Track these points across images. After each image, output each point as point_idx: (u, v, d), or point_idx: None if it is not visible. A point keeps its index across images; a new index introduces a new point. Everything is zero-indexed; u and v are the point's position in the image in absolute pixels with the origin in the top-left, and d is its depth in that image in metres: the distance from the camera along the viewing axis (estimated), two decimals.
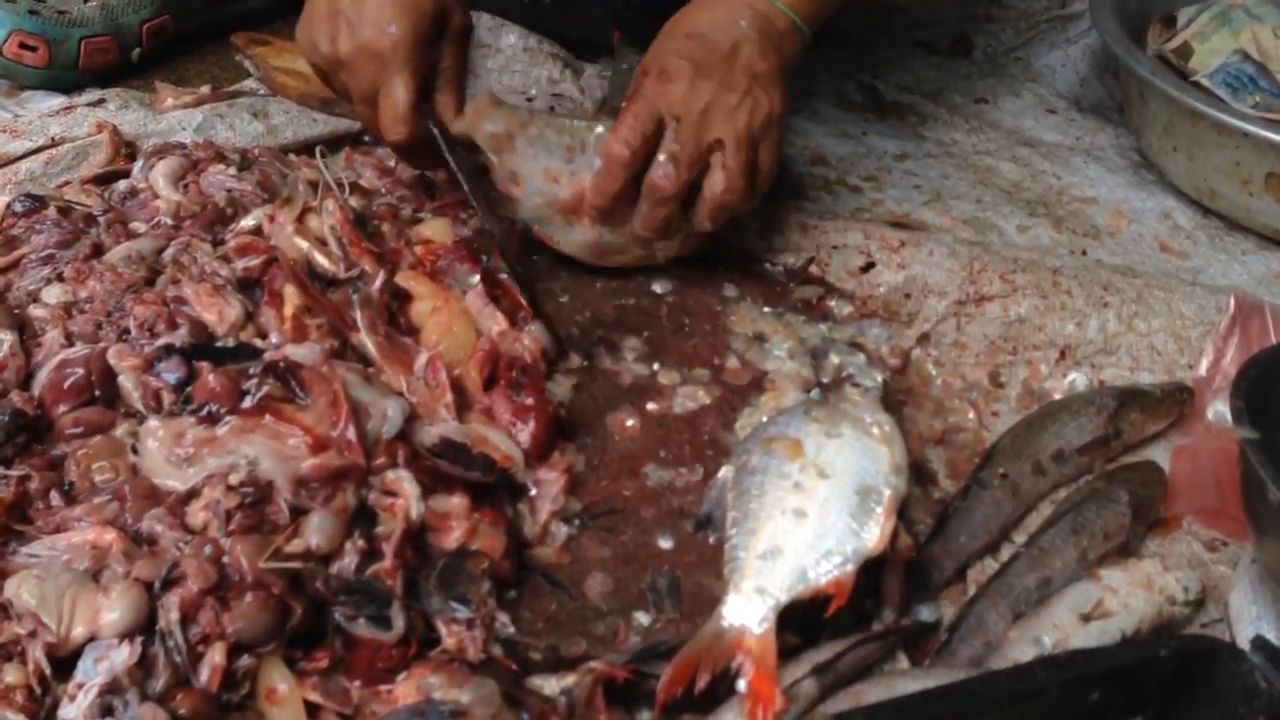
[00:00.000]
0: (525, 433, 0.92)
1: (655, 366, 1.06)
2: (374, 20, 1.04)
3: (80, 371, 0.88)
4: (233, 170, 1.14)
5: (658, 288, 1.14)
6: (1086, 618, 0.85)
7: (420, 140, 1.07)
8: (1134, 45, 1.40)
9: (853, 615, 0.83)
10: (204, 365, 0.88)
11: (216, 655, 0.73)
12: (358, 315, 0.95)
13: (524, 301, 1.04)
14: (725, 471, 0.90)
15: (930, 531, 0.94)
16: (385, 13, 1.04)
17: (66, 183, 1.16)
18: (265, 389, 0.85)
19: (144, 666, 0.72)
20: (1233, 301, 1.12)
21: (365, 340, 0.94)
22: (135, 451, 0.84)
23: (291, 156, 1.23)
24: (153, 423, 0.84)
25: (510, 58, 1.46)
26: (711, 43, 1.06)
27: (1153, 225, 1.34)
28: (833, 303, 1.16)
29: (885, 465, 0.87)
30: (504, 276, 1.06)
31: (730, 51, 1.06)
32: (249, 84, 1.38)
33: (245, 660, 0.74)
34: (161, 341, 0.91)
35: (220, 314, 0.95)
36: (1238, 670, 0.71)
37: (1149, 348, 1.11)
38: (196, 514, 0.79)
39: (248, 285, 0.99)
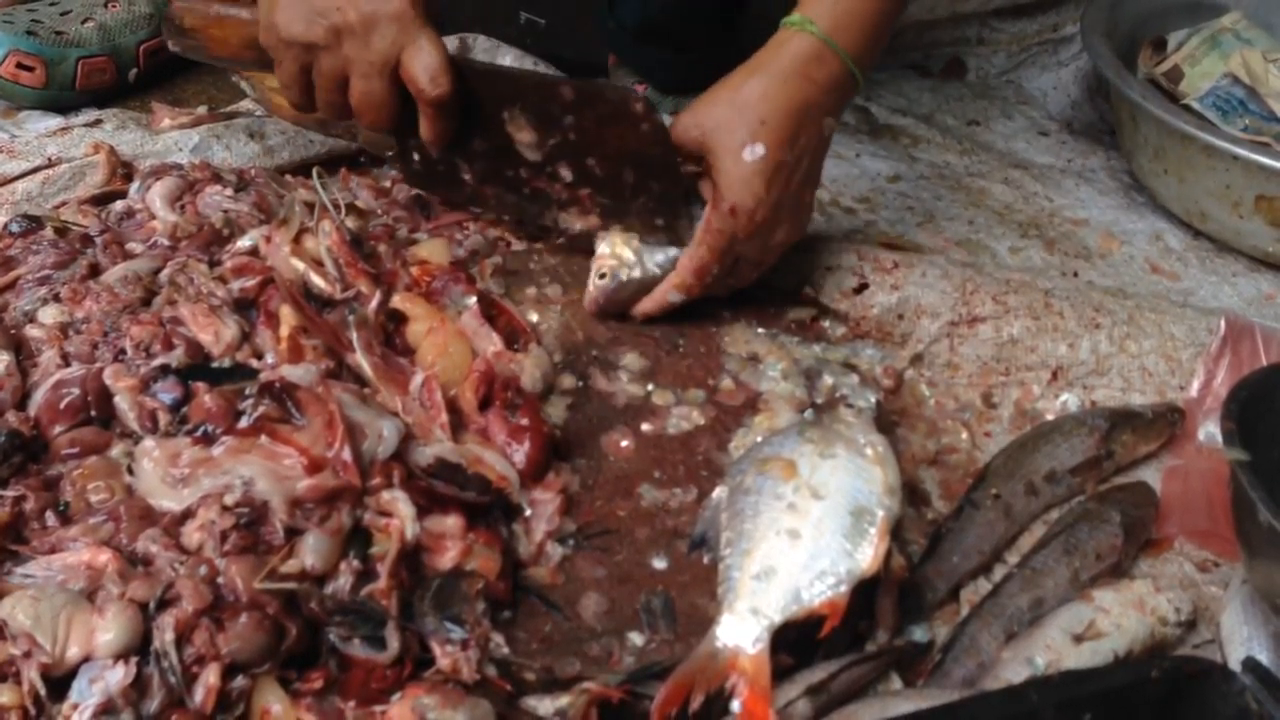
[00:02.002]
0: (520, 453, 0.93)
1: (650, 387, 1.07)
2: None
3: (76, 392, 0.89)
4: (229, 191, 1.14)
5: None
6: (1079, 638, 0.85)
7: (455, 99, 1.06)
8: (1125, 68, 1.41)
9: (846, 636, 0.84)
10: (200, 386, 0.88)
11: (211, 676, 0.72)
12: (353, 336, 0.95)
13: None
14: (719, 492, 0.90)
15: (923, 552, 0.94)
16: None
17: (63, 203, 1.17)
18: (261, 409, 0.85)
19: (139, 687, 0.71)
20: (1223, 323, 1.12)
21: (361, 361, 0.94)
22: (131, 472, 0.84)
23: (288, 177, 1.24)
24: (148, 443, 0.84)
25: None
26: (796, 163, 1.04)
27: (1144, 247, 1.35)
28: (826, 324, 1.16)
29: (879, 486, 0.87)
30: (498, 298, 1.07)
31: (808, 174, 1.06)
32: (245, 105, 1.38)
33: (240, 681, 0.74)
34: (157, 362, 0.91)
35: (216, 334, 0.95)
36: (1229, 692, 0.71)
37: (1140, 369, 1.12)
38: (192, 534, 0.79)
39: (244, 306, 0.99)
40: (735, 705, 0.76)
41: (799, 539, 0.83)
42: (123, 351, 0.93)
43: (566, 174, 1.12)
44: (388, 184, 1.26)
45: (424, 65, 1.03)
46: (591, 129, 1.08)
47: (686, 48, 1.10)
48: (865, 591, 0.84)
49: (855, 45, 1.04)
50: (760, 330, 1.14)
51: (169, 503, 0.81)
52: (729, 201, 1.04)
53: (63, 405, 0.88)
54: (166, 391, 0.88)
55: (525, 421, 0.94)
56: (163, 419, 0.87)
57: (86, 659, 0.72)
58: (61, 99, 1.35)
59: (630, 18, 1.40)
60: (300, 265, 1.03)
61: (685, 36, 1.07)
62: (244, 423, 0.85)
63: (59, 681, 0.72)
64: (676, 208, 1.09)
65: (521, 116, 1.09)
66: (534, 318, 1.11)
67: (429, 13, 1.04)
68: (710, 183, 1.06)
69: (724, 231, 1.05)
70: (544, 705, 0.78)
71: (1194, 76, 1.47)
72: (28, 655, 0.72)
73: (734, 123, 1.03)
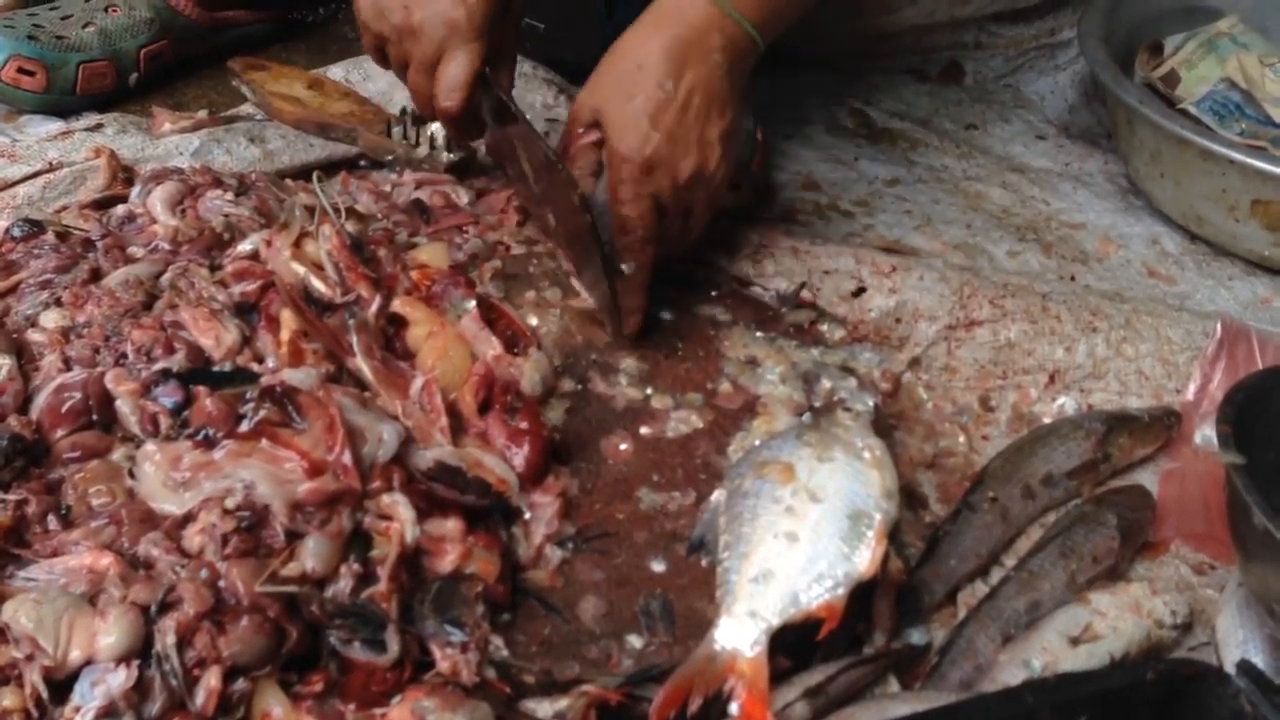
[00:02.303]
0: (520, 457, 0.93)
1: (648, 390, 1.07)
2: None
3: (78, 395, 0.89)
4: (230, 195, 1.15)
5: (650, 312, 1.15)
6: (1075, 641, 0.86)
7: (469, 111, 1.11)
8: (1121, 73, 1.41)
9: (844, 638, 0.84)
10: (201, 389, 0.89)
11: (212, 679, 0.73)
12: (354, 340, 0.96)
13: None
14: (718, 495, 0.90)
15: (921, 555, 0.94)
16: None
17: (64, 207, 1.17)
18: (262, 413, 0.86)
19: (140, 690, 0.72)
20: (1219, 327, 1.13)
21: (361, 365, 0.94)
22: (132, 475, 0.84)
23: (288, 181, 1.24)
24: (149, 447, 0.85)
25: None
26: (686, 98, 1.05)
27: (1140, 251, 1.36)
28: (824, 327, 1.17)
29: (876, 489, 0.88)
30: (498, 302, 1.08)
31: (705, 109, 1.06)
32: (246, 109, 1.38)
33: (241, 684, 0.74)
34: (159, 366, 0.91)
35: (217, 338, 0.95)
36: (1224, 694, 0.71)
37: (1137, 372, 1.12)
38: (193, 538, 0.79)
39: (245, 310, 0.99)
40: (733, 708, 0.77)
41: (797, 542, 0.84)
42: (124, 355, 0.94)
43: (551, 219, 1.16)
44: (387, 188, 1.26)
45: (447, 76, 1.09)
46: (555, 196, 1.12)
47: None
48: (863, 594, 0.84)
49: None
50: (758, 334, 1.14)
51: (170, 506, 0.81)
52: (617, 150, 1.05)
53: (64, 409, 0.88)
54: (167, 395, 0.89)
55: (525, 425, 0.95)
56: (164, 423, 0.87)
57: (88, 662, 0.73)
58: (62, 103, 1.35)
59: (628, 22, 1.40)
60: (300, 269, 1.03)
61: None
62: (245, 426, 0.85)
63: (61, 684, 0.72)
64: (604, 296, 1.10)
65: (525, 154, 1.13)
66: (533, 321, 1.11)
67: (483, 27, 1.09)
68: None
69: (624, 181, 1.05)
70: (543, 708, 0.78)
71: (1190, 81, 1.47)
72: (30, 658, 0.72)
73: (614, 77, 1.08)
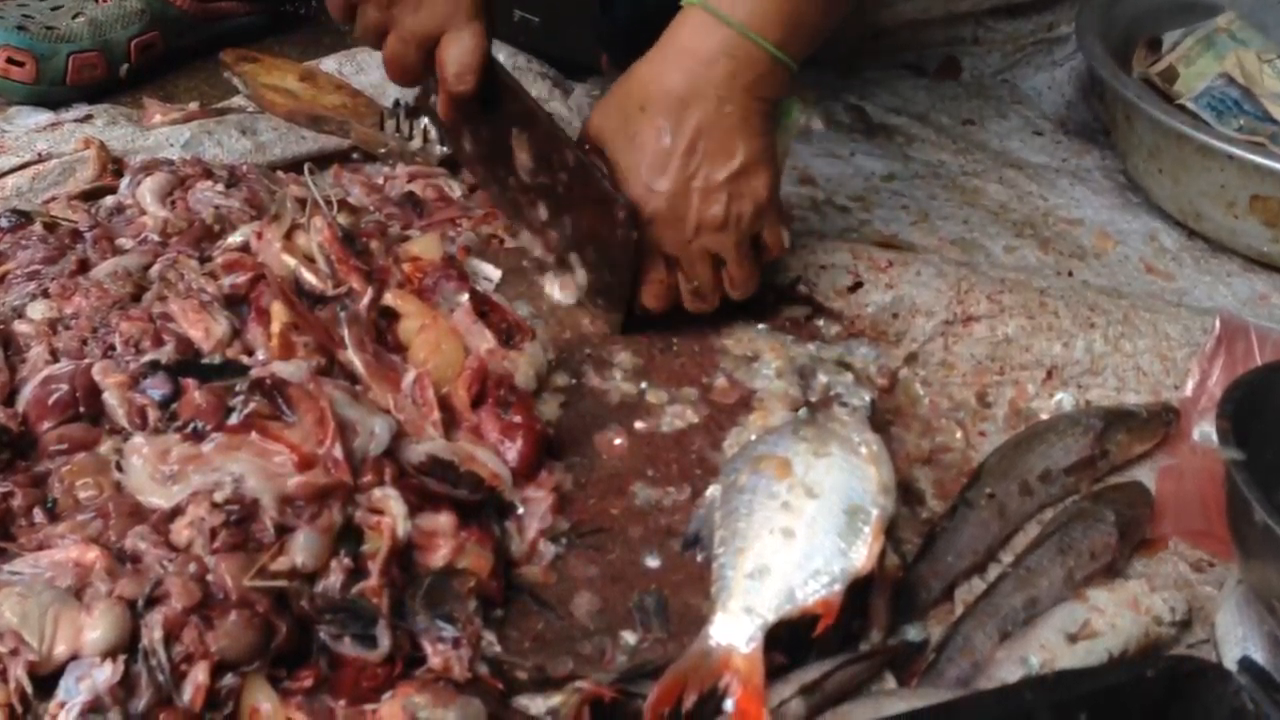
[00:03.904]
0: (513, 451, 0.92)
1: (643, 385, 1.06)
2: None
3: (65, 388, 0.88)
4: (220, 187, 1.14)
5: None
6: (1073, 638, 0.85)
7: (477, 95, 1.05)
8: (1119, 68, 1.41)
9: (840, 635, 0.83)
10: (190, 382, 0.87)
11: (200, 674, 0.72)
12: (345, 333, 0.95)
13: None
14: (713, 490, 0.90)
15: (918, 551, 0.94)
16: None
17: (53, 198, 1.16)
18: (251, 406, 0.85)
19: (126, 685, 0.71)
20: (1218, 323, 1.12)
21: (353, 358, 0.94)
22: (120, 469, 0.83)
23: (279, 173, 1.23)
24: (137, 440, 0.83)
25: None
26: (689, 145, 0.99)
27: (1138, 247, 1.35)
28: (821, 322, 1.16)
29: (873, 485, 0.87)
30: (494, 297, 1.07)
31: (708, 153, 1.00)
32: (237, 101, 1.38)
33: (229, 679, 0.73)
34: (147, 358, 0.90)
35: (207, 331, 0.94)
36: (1224, 691, 0.71)
37: (1135, 368, 1.12)
38: (181, 532, 0.78)
39: (235, 302, 0.98)
40: (728, 704, 0.76)
41: (793, 538, 0.83)
42: (112, 347, 0.93)
43: (543, 212, 1.12)
44: (380, 181, 1.26)
45: (456, 58, 1.03)
46: (577, 198, 1.07)
47: None
48: (859, 591, 0.83)
49: (748, 11, 0.98)
50: (754, 329, 1.13)
51: (158, 500, 0.80)
52: (624, 177, 1.02)
53: (51, 401, 0.87)
54: (156, 388, 0.88)
55: (518, 419, 0.94)
56: (152, 415, 0.86)
57: (74, 657, 0.71)
58: (52, 94, 1.34)
59: (623, 18, 1.40)
60: (292, 262, 1.02)
61: None
62: (234, 419, 0.84)
63: (46, 680, 0.71)
64: (618, 303, 1.09)
65: (526, 143, 1.09)
66: (524, 311, 1.10)
67: (486, 4, 1.03)
68: None
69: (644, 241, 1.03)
70: (536, 704, 0.78)
71: (1189, 76, 1.47)
72: (15, 653, 0.71)
73: (621, 110, 1.02)
